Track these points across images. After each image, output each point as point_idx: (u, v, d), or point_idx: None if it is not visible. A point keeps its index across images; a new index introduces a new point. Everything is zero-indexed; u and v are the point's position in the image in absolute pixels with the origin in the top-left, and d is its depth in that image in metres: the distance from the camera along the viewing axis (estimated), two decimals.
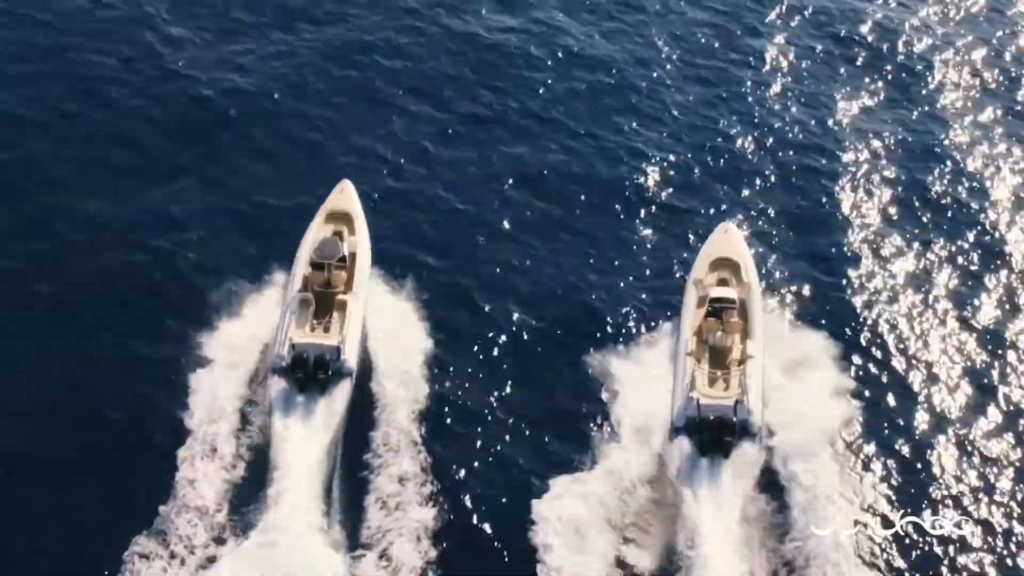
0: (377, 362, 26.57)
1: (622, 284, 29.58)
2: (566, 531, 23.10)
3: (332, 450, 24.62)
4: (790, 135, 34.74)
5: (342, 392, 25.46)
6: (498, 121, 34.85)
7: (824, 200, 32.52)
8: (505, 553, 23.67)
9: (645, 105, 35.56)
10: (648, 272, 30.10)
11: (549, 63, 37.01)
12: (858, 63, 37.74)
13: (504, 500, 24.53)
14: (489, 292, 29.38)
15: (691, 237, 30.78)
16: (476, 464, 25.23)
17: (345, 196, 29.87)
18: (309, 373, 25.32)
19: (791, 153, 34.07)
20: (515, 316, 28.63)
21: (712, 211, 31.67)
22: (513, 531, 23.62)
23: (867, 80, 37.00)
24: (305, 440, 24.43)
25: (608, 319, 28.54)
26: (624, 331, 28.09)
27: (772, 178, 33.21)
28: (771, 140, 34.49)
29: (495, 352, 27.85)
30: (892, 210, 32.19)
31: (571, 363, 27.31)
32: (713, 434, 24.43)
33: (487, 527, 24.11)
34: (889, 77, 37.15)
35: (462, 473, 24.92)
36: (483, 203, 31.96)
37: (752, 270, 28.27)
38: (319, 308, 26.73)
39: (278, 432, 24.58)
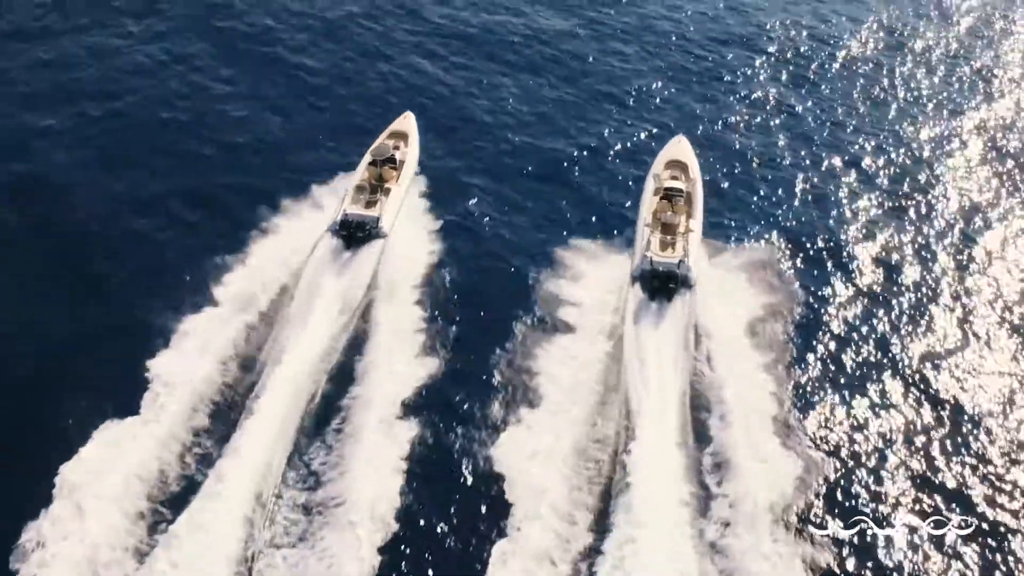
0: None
1: (595, 176, 37.95)
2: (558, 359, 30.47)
3: (361, 298, 31.72)
4: (736, 66, 43.42)
5: (375, 248, 33.21)
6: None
7: (760, 115, 41.24)
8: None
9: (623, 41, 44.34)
10: (617, 170, 38.37)
11: None
12: None
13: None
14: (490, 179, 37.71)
15: (652, 145, 38.97)
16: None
17: (406, 121, 38.29)
18: (352, 234, 33.17)
19: (730, 78, 43.10)
20: (511, 196, 36.79)
21: (670, 125, 40.14)
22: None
23: None
24: (346, 285, 31.92)
25: (585, 200, 36.89)
26: (598, 208, 36.38)
27: (717, 98, 41.90)
28: (714, 67, 43.70)
29: (490, 218, 35.89)
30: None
31: (558, 231, 35.18)
32: (661, 283, 32.03)
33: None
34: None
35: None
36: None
37: (697, 170, 36.22)
38: (371, 193, 34.60)
39: (312, 275, 32.00)
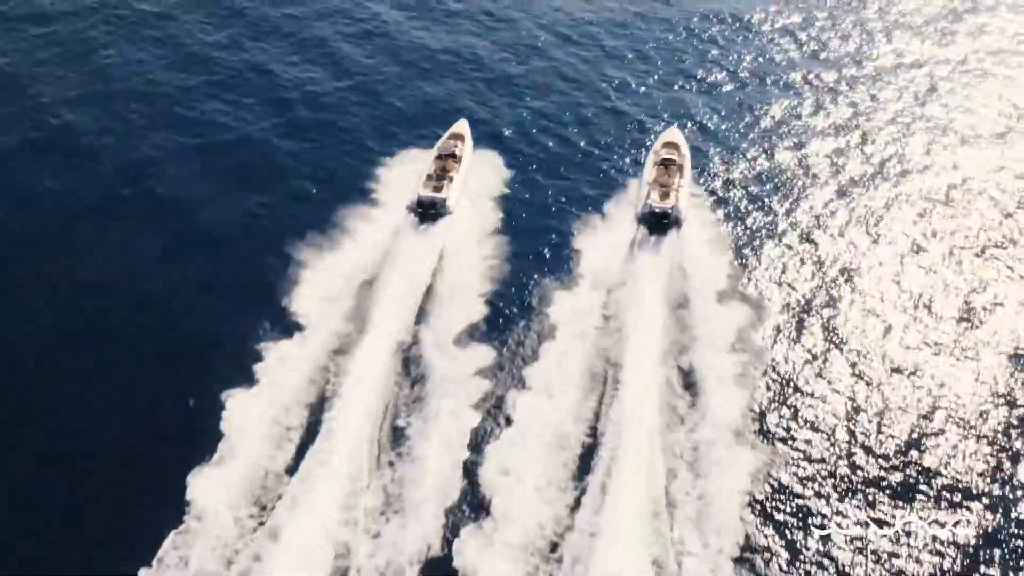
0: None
1: (615, 152, 51.18)
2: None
3: (434, 264, 43.23)
4: (722, 71, 56.69)
5: (445, 222, 44.90)
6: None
7: (736, 114, 54.22)
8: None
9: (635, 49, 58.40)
10: (627, 146, 51.46)
11: None
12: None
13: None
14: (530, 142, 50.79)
15: (652, 134, 52.15)
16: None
17: (461, 125, 50.52)
18: (426, 211, 44.84)
19: (719, 82, 56.05)
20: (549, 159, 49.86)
21: (665, 116, 53.56)
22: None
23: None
24: (422, 251, 43.48)
25: (603, 170, 49.88)
26: (613, 173, 49.44)
27: (705, 100, 55.18)
28: (710, 75, 56.69)
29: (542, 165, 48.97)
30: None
31: (588, 185, 48.18)
32: (658, 221, 44.77)
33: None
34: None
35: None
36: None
37: (686, 148, 49.28)
38: (438, 180, 46.26)
39: (396, 245, 43.55)
